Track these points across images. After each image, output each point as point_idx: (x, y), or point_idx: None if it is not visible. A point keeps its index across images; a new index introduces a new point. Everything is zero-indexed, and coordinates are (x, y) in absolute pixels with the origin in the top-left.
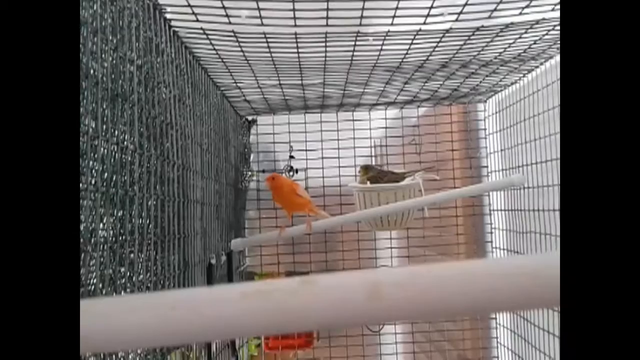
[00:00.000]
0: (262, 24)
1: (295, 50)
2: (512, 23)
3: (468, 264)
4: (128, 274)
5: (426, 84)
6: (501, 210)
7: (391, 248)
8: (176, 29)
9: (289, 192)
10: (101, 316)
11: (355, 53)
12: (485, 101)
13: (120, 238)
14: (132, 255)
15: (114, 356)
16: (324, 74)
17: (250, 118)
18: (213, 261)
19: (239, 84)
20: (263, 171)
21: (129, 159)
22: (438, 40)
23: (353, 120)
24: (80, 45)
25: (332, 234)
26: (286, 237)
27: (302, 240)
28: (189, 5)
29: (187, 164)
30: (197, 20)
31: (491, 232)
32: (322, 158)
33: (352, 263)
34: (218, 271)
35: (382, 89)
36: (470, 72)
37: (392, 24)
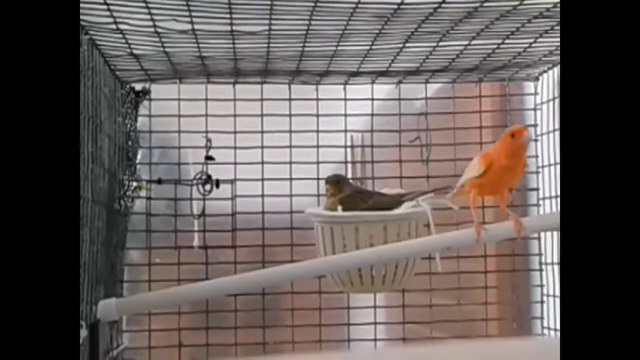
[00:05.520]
0: None
1: None
2: None
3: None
4: None
5: (442, 44)
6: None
7: (375, 324)
8: None
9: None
10: None
11: None
12: (537, 78)
13: None
14: None
15: None
16: (270, 16)
17: (139, 87)
18: None
19: (120, 25)
20: (159, 181)
21: None
22: None
23: (317, 99)
24: None
25: (274, 297)
26: (195, 298)
27: (223, 306)
28: None
29: None
30: None
31: (542, 302)
32: (262, 163)
33: (308, 347)
34: None
35: (367, 47)
36: (515, 25)
37: None
